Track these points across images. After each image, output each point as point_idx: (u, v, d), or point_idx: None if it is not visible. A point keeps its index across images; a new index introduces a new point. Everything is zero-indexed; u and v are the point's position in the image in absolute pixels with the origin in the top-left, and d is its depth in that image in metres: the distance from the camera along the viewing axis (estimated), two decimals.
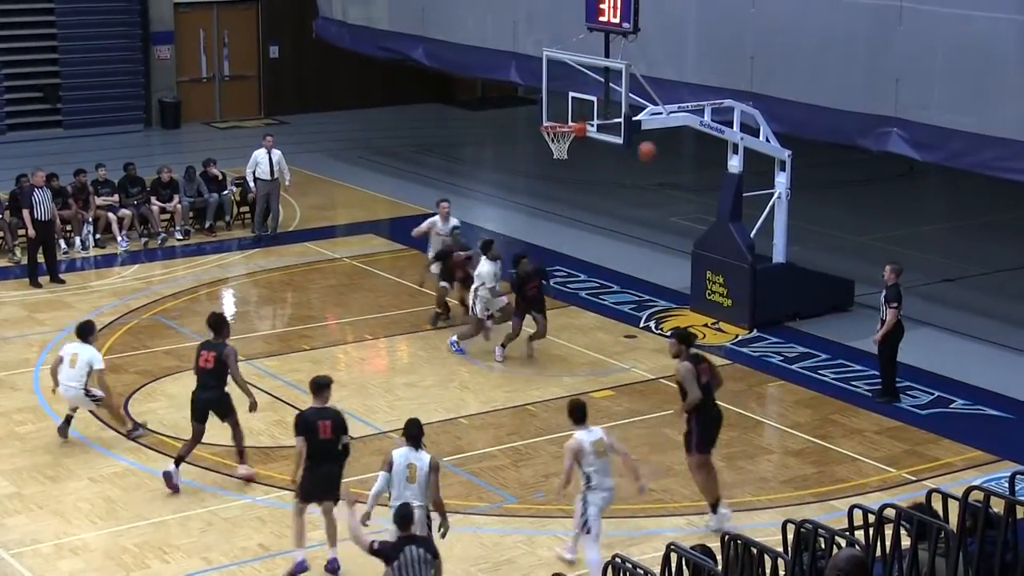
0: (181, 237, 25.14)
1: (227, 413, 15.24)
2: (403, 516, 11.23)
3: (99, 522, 14.37)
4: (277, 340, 20.30)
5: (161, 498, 14.94)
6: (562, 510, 14.70)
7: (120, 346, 19.70)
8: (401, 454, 12.30)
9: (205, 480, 15.42)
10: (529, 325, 19.33)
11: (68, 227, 24.42)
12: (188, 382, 18.28)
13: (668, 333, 17.96)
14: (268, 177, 25.09)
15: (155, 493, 15.05)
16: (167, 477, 15.02)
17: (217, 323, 15.48)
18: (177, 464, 15.13)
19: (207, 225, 25.54)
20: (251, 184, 25.22)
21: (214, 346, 15.18)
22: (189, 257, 24.25)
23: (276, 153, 25.23)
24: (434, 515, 12.39)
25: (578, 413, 13.05)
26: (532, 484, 15.32)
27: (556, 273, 22.98)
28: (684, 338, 14.52)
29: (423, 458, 12.18)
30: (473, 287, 19.21)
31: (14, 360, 19.14)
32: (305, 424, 13.10)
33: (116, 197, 24.98)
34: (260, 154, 25.20)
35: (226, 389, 15.15)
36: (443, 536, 12.38)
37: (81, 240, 24.43)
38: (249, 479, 15.26)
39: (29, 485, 15.28)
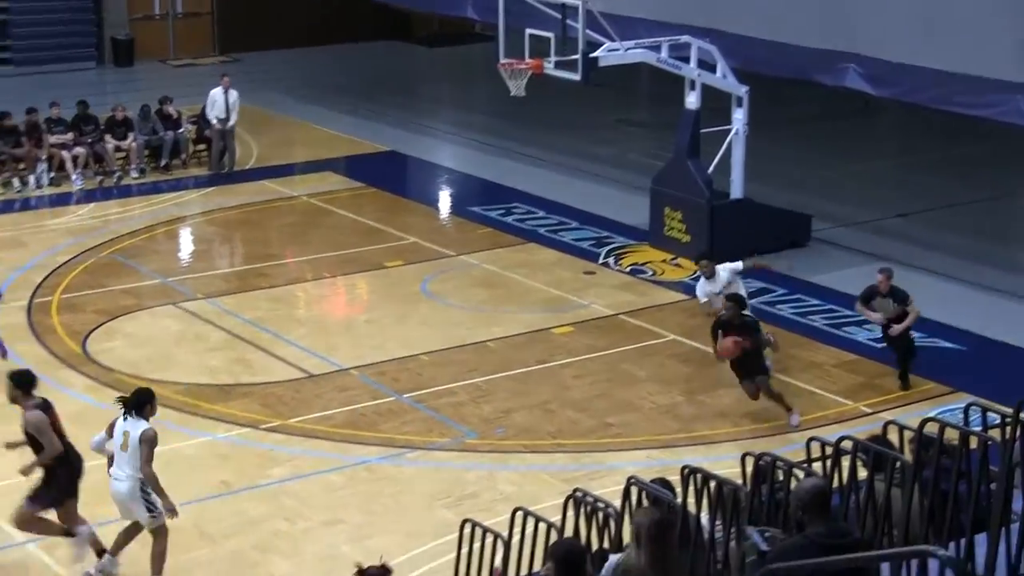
0: (137, 175, 24.96)
1: None
2: None
3: None
4: (235, 278, 20.25)
5: None
6: (523, 446, 14.85)
7: (77, 285, 19.60)
8: (121, 421, 11.78)
9: (166, 418, 15.40)
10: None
11: (21, 165, 24.21)
12: (148, 321, 18.32)
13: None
14: (224, 116, 24.98)
15: None
16: None
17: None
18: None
19: (163, 163, 25.37)
20: (209, 122, 25.13)
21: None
22: (145, 196, 24.09)
23: (233, 93, 25.12)
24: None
25: None
26: (493, 420, 15.42)
27: (515, 210, 23.04)
28: (21, 383, 12.07)
29: (138, 427, 11.62)
30: None
31: None
32: None
33: (70, 135, 24.75)
34: (216, 93, 25.09)
35: None
36: (172, 516, 11.76)
37: (35, 178, 24.21)
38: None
39: None
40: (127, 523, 12.04)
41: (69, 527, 12.11)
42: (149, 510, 11.73)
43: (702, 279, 16.65)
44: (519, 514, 10.34)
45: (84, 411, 15.54)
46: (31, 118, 24.49)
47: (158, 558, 11.84)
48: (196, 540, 12.82)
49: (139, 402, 11.75)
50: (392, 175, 25.78)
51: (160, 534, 11.84)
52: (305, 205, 23.59)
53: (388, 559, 9.93)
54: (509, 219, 22.67)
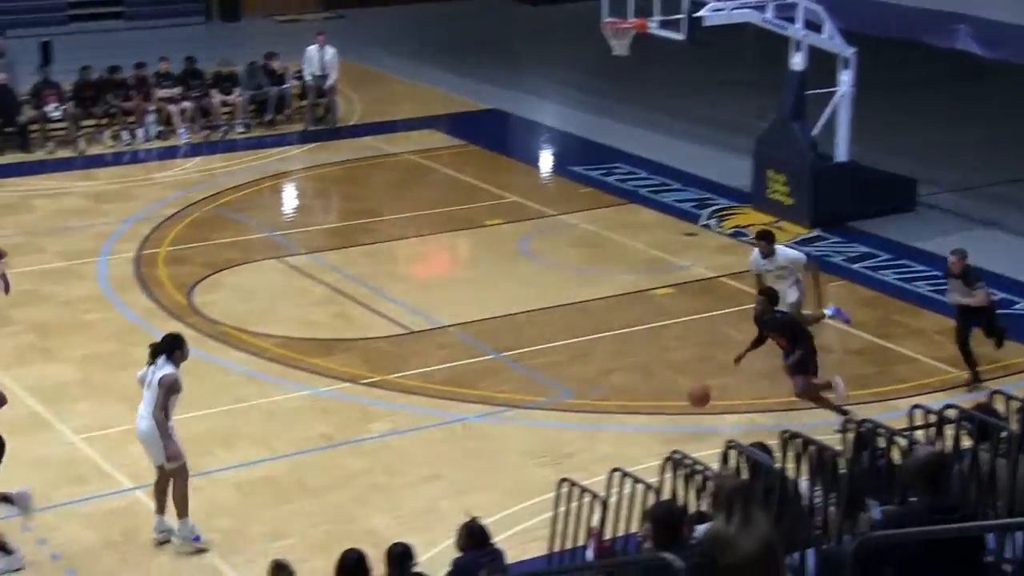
0: (242, 130, 25.22)
1: None
2: None
3: None
4: (338, 234, 20.42)
5: (225, 388, 15.16)
6: (621, 406, 14.84)
7: (183, 238, 19.88)
8: (150, 364, 11.96)
9: (268, 372, 15.62)
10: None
11: (130, 119, 24.57)
12: (252, 274, 18.55)
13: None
14: (320, 73, 25.22)
15: (219, 383, 15.27)
16: None
17: None
18: None
19: (267, 119, 25.60)
20: (306, 79, 25.43)
21: None
22: (250, 150, 24.33)
23: (329, 50, 25.35)
24: None
25: None
26: (591, 380, 15.42)
27: (617, 170, 22.95)
28: None
29: (161, 371, 11.80)
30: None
31: (79, 250, 19.37)
32: None
33: (177, 90, 25.07)
34: (312, 50, 25.42)
35: None
36: (176, 464, 11.79)
37: (143, 132, 24.56)
38: None
39: (96, 372, 15.54)
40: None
41: None
42: (172, 455, 11.86)
43: (757, 252, 15.81)
44: (616, 475, 10.34)
45: (189, 362, 15.76)
46: (140, 72, 24.84)
47: (180, 500, 11.97)
48: (296, 492, 13.00)
49: (167, 347, 11.93)
50: (494, 133, 25.80)
51: (179, 475, 11.95)
52: (407, 162, 23.70)
53: (484, 516, 10.04)
54: (610, 179, 22.58)
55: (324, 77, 25.43)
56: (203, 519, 12.33)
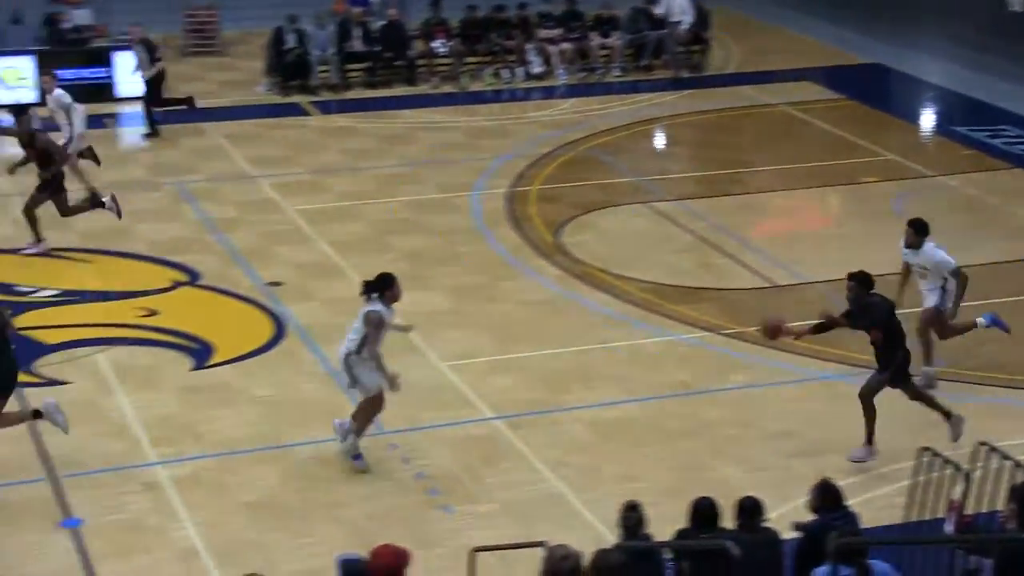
0: (618, 73, 25.43)
1: None
2: None
3: (528, 344, 14.96)
4: (706, 182, 20.36)
5: (587, 328, 15.40)
6: (993, 378, 14.24)
7: (555, 177, 20.26)
8: (364, 299, 12.23)
9: (630, 315, 15.77)
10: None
11: (511, 57, 25.15)
12: (618, 218, 18.73)
13: None
14: (675, 19, 25.48)
15: (581, 323, 15.53)
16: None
17: None
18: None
19: (644, 63, 25.71)
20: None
21: None
22: (625, 94, 24.51)
23: None
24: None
25: None
26: (964, 348, 14.72)
27: (1004, 133, 21.96)
28: None
29: (367, 307, 12.07)
30: None
31: (456, 183, 20.02)
32: None
33: (559, 30, 25.48)
34: None
35: None
36: (393, 388, 12.17)
37: (524, 70, 25.10)
38: None
39: (467, 303, 16.06)
40: None
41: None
42: (352, 381, 12.22)
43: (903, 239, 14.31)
44: (983, 449, 9.97)
45: (553, 299, 16.15)
46: (522, 12, 25.38)
47: (360, 420, 12.33)
48: (652, 437, 13.10)
49: (379, 286, 12.16)
50: (874, 89, 25.09)
51: (368, 403, 12.29)
52: (781, 114, 23.36)
53: (835, 478, 9.85)
54: (996, 142, 21.62)
55: (677, 23, 25.41)
56: (559, 455, 12.63)
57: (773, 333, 12.91)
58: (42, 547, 11.15)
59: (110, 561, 10.96)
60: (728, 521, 9.31)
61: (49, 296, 15.95)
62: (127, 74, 22.98)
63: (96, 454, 12.52)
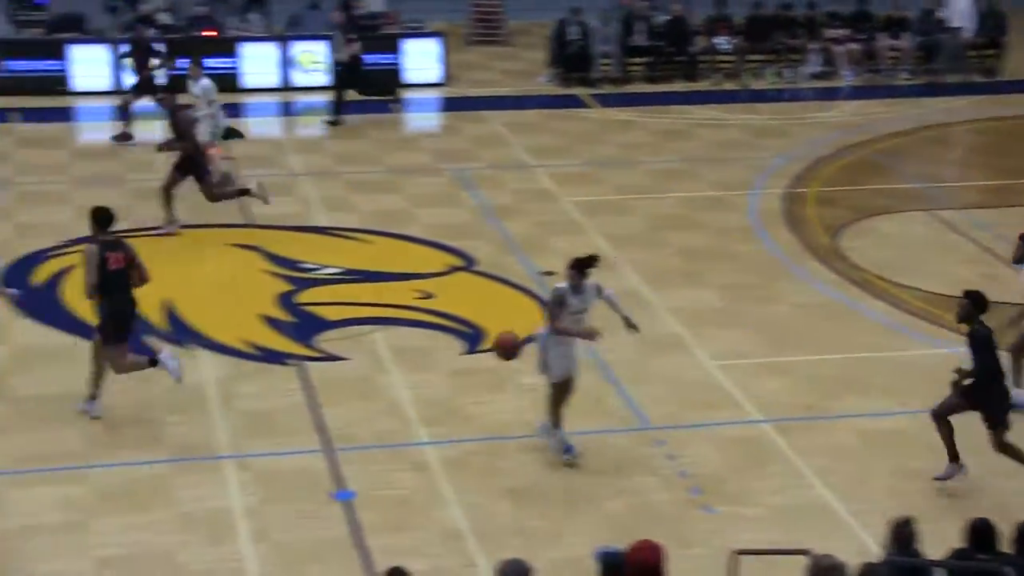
0: (907, 76, 24.79)
1: None
2: None
3: (800, 348, 14.72)
4: (994, 191, 19.66)
5: (862, 334, 15.05)
6: None
7: (834, 179, 19.89)
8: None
9: (906, 324, 15.34)
10: None
11: (795, 56, 24.81)
12: (899, 224, 18.25)
13: None
14: (958, 25, 24.87)
15: (856, 329, 15.19)
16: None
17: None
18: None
19: (935, 67, 24.98)
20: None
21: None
22: (912, 97, 23.87)
23: None
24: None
25: None
26: None
27: None
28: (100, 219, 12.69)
29: (559, 285, 11.90)
30: None
31: (733, 181, 19.85)
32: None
33: (846, 30, 25.00)
34: None
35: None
36: (592, 339, 12.03)
37: (807, 70, 24.73)
38: None
39: (738, 302, 15.90)
40: None
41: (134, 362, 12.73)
42: (543, 366, 12.04)
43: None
44: None
45: (827, 304, 15.84)
46: (810, 12, 25.00)
47: (551, 408, 12.19)
48: (921, 450, 12.62)
49: (582, 264, 11.83)
50: None
51: (554, 389, 12.10)
52: None
53: None
54: None
55: (958, 28, 24.57)
56: (826, 462, 12.40)
57: (506, 351, 12.16)
58: (316, 515, 11.53)
59: (380, 534, 11.26)
60: (1007, 545, 8.99)
61: (332, 274, 16.49)
62: (415, 61, 23.65)
63: (369, 431, 12.89)
